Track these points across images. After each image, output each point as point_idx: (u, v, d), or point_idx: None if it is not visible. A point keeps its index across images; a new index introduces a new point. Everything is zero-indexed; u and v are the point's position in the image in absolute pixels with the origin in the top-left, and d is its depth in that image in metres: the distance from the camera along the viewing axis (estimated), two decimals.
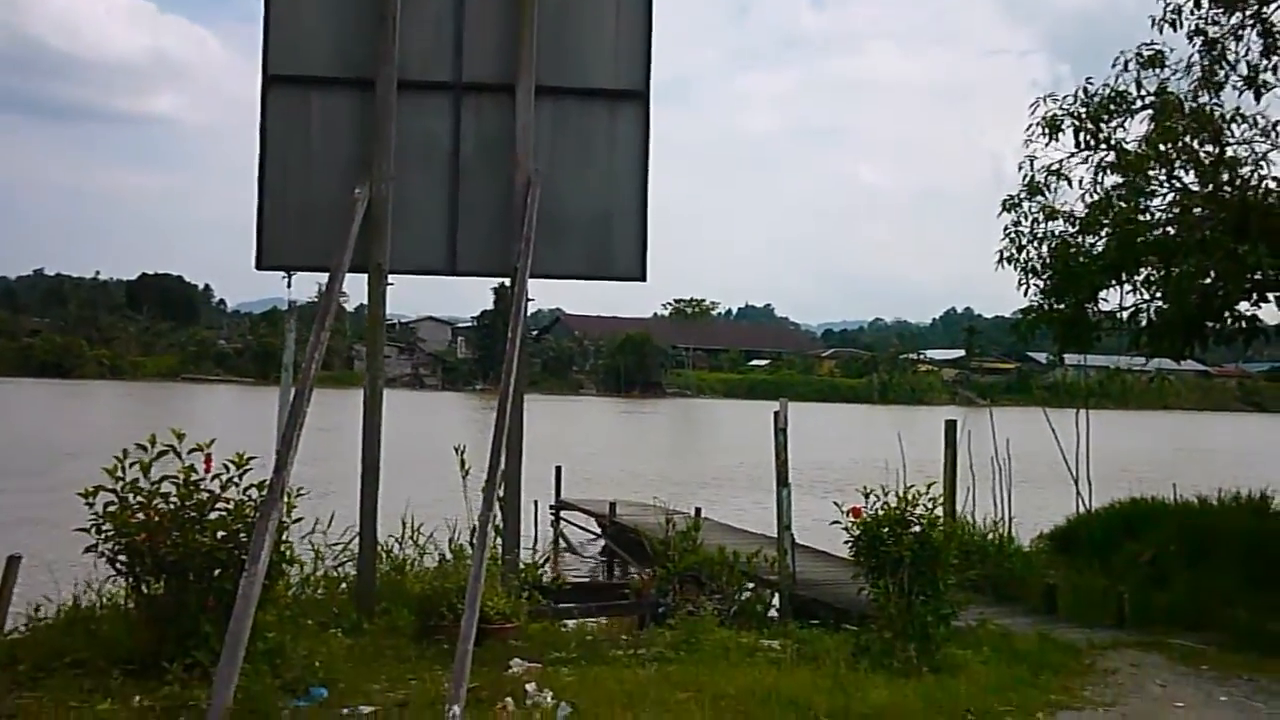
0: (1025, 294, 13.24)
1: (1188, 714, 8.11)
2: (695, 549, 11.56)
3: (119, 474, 7.29)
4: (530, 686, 7.30)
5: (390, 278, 9.68)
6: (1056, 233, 12.93)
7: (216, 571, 7.20)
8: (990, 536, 15.21)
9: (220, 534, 7.22)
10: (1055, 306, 13.16)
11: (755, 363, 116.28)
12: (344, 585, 9.81)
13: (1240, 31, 12.23)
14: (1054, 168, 12.79)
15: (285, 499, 7.20)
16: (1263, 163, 11.89)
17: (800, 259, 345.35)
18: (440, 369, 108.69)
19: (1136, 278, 12.78)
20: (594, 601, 11.64)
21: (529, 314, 11.12)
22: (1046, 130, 12.67)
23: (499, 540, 9.59)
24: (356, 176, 9.32)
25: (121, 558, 7.22)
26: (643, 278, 9.88)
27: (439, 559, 10.31)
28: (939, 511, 9.12)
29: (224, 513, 7.32)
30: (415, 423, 40.96)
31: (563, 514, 24.51)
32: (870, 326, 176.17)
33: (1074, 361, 18.68)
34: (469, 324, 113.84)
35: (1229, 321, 12.77)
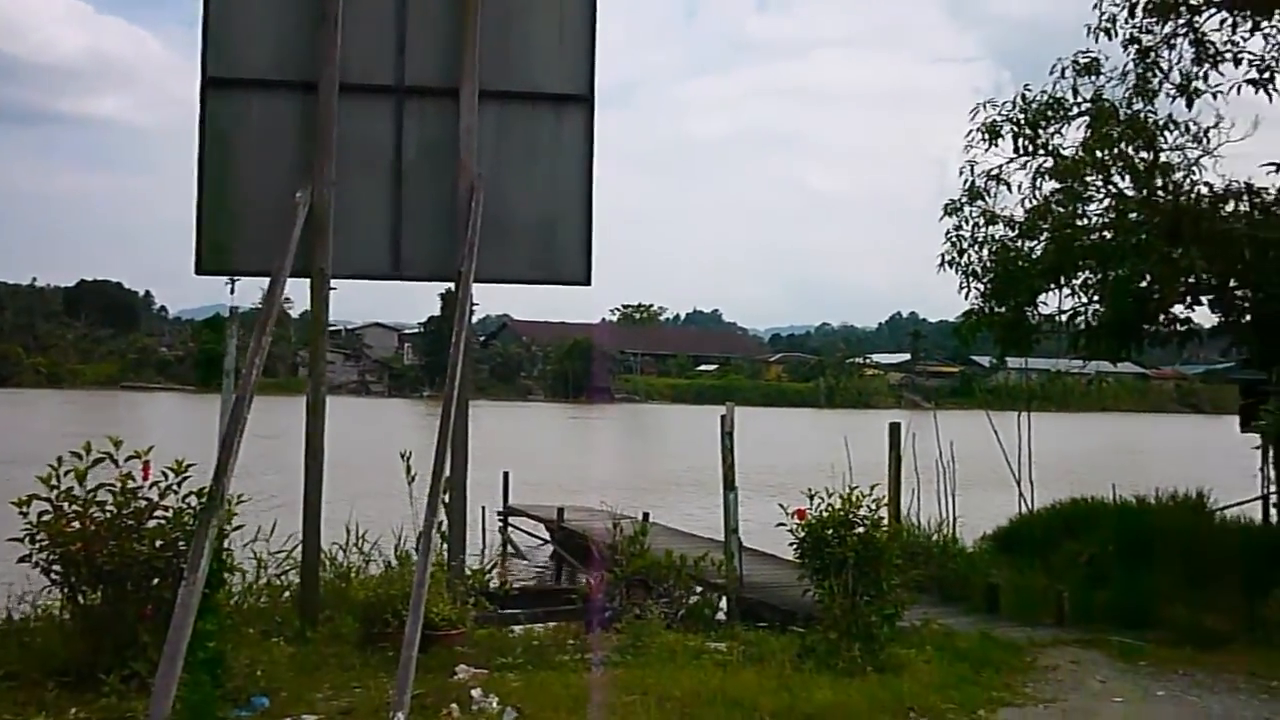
0: (966, 297, 13.47)
1: (1126, 709, 8.26)
2: (643, 553, 11.57)
3: (54, 482, 7.15)
4: (476, 692, 7.26)
5: (334, 283, 9.58)
6: (997, 237, 13.16)
7: (155, 580, 7.09)
8: (935, 537, 15.41)
9: (159, 542, 7.11)
10: (996, 310, 13.38)
11: (703, 368, 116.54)
12: (287, 593, 9.68)
13: (1172, 40, 12.51)
14: (994, 173, 13.03)
15: (226, 506, 7.09)
16: (1195, 168, 12.20)
17: (748, 264, 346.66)
18: (387, 375, 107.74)
19: (1074, 281, 13.03)
20: (541, 607, 11.62)
21: (476, 320, 11.06)
22: (986, 136, 12.89)
23: (445, 546, 9.52)
24: (298, 180, 9.21)
25: (56, 568, 7.09)
26: (587, 282, 9.87)
27: (384, 566, 10.22)
28: (883, 513, 9.21)
29: (163, 521, 7.21)
30: (361, 429, 40.58)
31: (510, 519, 24.43)
32: (817, 331, 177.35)
33: (1016, 365, 19.01)
34: (416, 330, 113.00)
35: (1164, 324, 13.04)
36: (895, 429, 13.75)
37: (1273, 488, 16.38)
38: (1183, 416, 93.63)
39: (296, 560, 9.57)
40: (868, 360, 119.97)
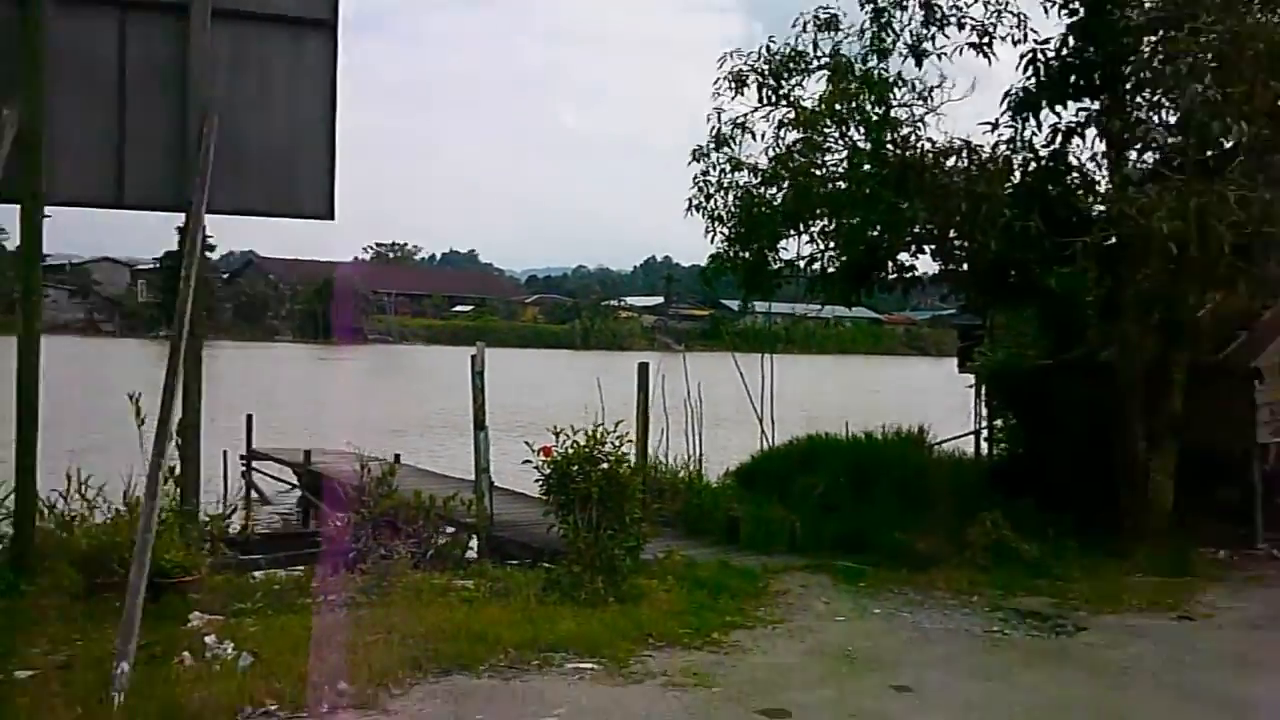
0: (712, 241, 13.86)
1: (846, 626, 8.91)
2: (391, 494, 11.42)
3: None
4: (210, 639, 7.03)
5: (51, 211, 8.90)
6: (741, 183, 13.56)
7: None
8: (682, 474, 15.99)
9: None
10: (740, 254, 13.83)
11: (459, 308, 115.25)
12: None
13: (904, 2, 13.17)
14: (739, 121, 13.38)
15: None
16: (919, 124, 12.93)
17: (505, 204, 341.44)
18: (118, 314, 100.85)
19: (812, 228, 13.61)
20: (283, 551, 11.33)
21: (218, 256, 10.51)
22: (733, 85, 13.21)
23: (179, 492, 9.10)
24: (5, 95, 8.43)
25: None
26: (330, 216, 9.53)
27: (113, 513, 9.64)
28: (628, 450, 9.47)
29: None
30: (87, 370, 37.96)
31: (254, 464, 23.57)
32: (574, 273, 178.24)
33: (762, 309, 19.82)
34: (151, 266, 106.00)
35: (892, 271, 13.87)
36: (643, 369, 14.11)
37: (984, 423, 17.90)
38: (911, 358, 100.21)
39: (9, 509, 8.90)
40: (622, 303, 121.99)
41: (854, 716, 6.49)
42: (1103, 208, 11.82)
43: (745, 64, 13.21)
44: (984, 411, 17.55)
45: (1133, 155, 12.46)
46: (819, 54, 13.27)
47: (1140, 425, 12.95)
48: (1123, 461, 13.08)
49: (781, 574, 10.86)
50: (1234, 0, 11.22)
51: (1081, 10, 12.57)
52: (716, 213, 13.55)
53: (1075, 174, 12.86)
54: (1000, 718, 6.64)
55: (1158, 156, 11.96)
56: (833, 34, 13.28)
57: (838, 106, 13.05)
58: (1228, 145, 11.23)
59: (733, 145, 13.45)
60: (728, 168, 13.57)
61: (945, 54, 13.04)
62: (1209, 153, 11.26)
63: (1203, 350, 13.67)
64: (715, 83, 13.33)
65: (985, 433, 17.92)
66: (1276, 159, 10.95)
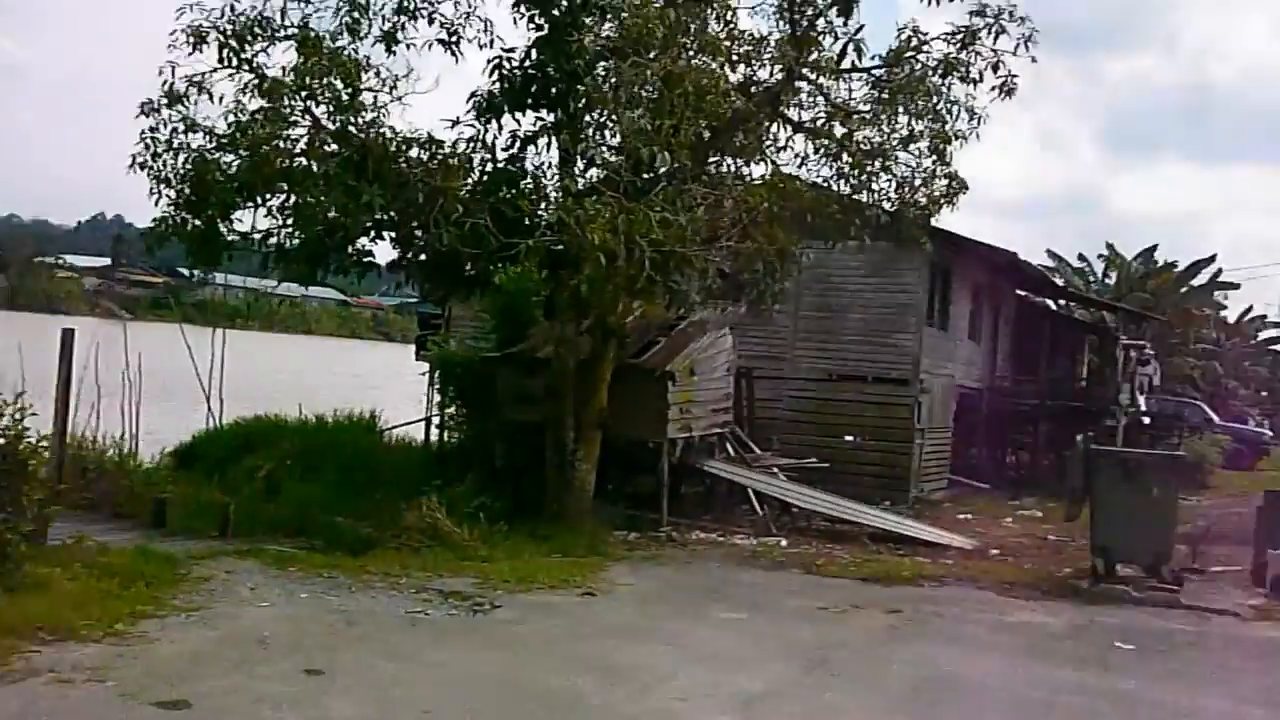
0: (157, 204, 12.93)
1: (268, 611, 8.77)
2: None
3: None
4: None
5: None
6: (195, 146, 12.77)
7: None
8: (111, 453, 14.79)
9: None
10: (189, 221, 13.03)
11: None
12: None
13: None
14: (197, 80, 12.57)
15: None
16: (384, 112, 12.99)
17: None
18: None
19: (270, 202, 13.16)
20: None
21: None
22: (191, 40, 12.39)
23: None
24: None
25: None
26: None
27: None
28: (31, 424, 8.55)
29: None
30: None
31: None
32: (2, 222, 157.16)
33: (222, 281, 18.86)
34: None
35: (350, 254, 13.82)
36: (68, 336, 12.88)
37: (435, 410, 18.44)
38: (377, 343, 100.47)
39: None
40: (61, 261, 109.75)
41: (259, 702, 6.37)
42: (548, 215, 12.63)
43: (206, 20, 12.45)
44: (437, 398, 18.07)
45: (579, 169, 13.47)
46: (288, 23, 12.88)
47: (571, 417, 14.07)
48: (554, 450, 14.13)
49: (208, 560, 10.43)
50: (672, 42, 12.54)
51: (545, 27, 13.37)
52: (164, 174, 12.65)
53: (529, 180, 13.64)
54: (406, 694, 6.85)
55: (602, 174, 12.98)
56: (304, 5, 12.97)
57: (308, 80, 12.73)
58: (659, 171, 12.50)
59: (187, 104, 12.61)
60: (180, 127, 12.71)
61: (415, 46, 13.27)
62: (644, 175, 12.43)
63: (628, 352, 15.17)
64: (172, 34, 12.43)
65: (436, 419, 18.48)
66: (693, 187, 12.40)
